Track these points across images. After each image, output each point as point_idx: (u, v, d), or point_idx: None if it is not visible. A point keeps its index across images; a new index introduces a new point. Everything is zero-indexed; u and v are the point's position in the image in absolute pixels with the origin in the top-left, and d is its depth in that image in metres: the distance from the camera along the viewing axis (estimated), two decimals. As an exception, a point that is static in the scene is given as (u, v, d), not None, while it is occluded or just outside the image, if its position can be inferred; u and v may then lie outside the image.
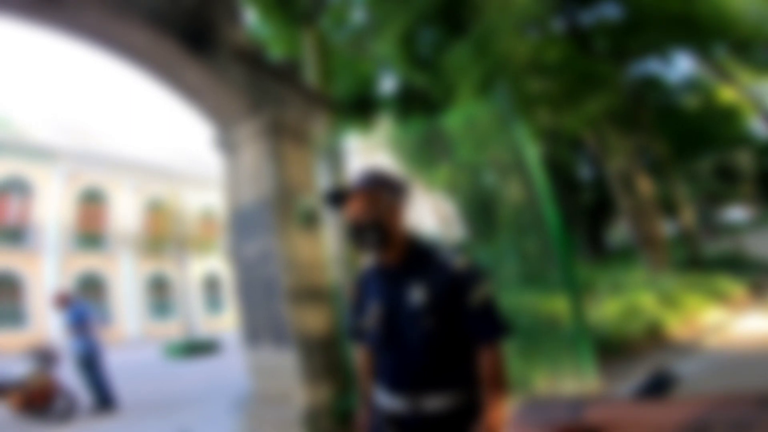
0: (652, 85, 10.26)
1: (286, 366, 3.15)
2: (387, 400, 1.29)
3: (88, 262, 20.10)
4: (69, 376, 5.67)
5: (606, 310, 5.04)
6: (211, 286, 24.69)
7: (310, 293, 3.27)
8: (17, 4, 2.32)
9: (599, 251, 12.67)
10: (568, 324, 3.08)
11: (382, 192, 1.28)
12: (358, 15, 6.38)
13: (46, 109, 22.23)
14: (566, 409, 0.58)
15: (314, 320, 3.24)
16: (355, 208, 1.26)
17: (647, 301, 5.18)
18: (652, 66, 9.90)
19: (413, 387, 1.23)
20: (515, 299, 3.52)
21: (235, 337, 14.97)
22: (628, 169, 8.01)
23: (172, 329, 20.07)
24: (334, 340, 3.30)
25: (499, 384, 1.19)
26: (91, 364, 5.46)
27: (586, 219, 12.75)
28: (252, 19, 5.55)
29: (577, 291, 3.05)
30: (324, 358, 3.20)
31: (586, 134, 7.92)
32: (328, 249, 3.48)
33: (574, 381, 3.02)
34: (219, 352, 11.77)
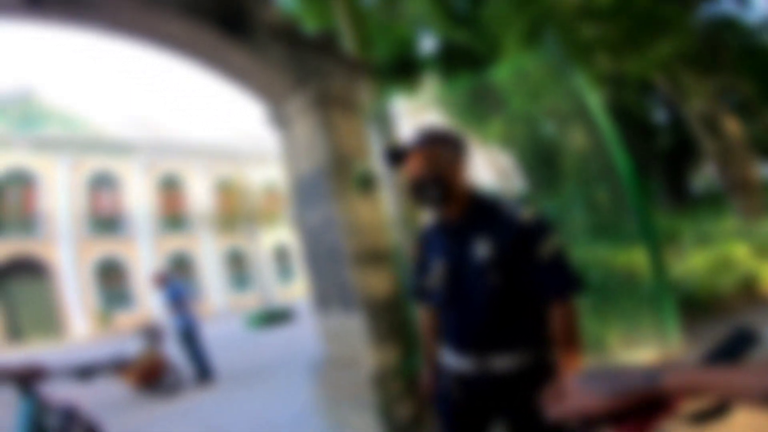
0: (728, 26, 8.99)
1: (354, 329, 3.27)
2: (453, 360, 1.27)
3: (176, 243, 22.21)
4: (172, 351, 6.20)
5: (692, 263, 4.59)
6: (281, 257, 26.27)
7: (373, 256, 3.33)
8: (56, 9, 2.45)
9: (681, 199, 11.49)
10: (648, 279, 2.84)
11: (441, 148, 1.25)
12: None
13: (117, 106, 24.25)
14: (639, 377, 0.51)
15: (378, 283, 3.31)
16: (414, 165, 1.24)
17: (740, 253, 4.62)
18: (727, 6, 8.65)
19: (480, 346, 1.20)
20: (585, 253, 3.30)
21: (306, 304, 15.93)
22: (711, 110, 7.07)
23: (250, 300, 21.85)
24: (398, 301, 3.36)
25: (573, 342, 1.13)
26: (190, 338, 5.82)
27: (663, 165, 11.56)
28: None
29: (656, 242, 2.79)
30: (389, 320, 3.27)
31: (656, 77, 7.07)
32: (387, 211, 3.49)
33: (655, 342, 2.81)
34: (293, 319, 12.56)
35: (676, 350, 2.68)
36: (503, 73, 3.20)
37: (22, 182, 18.57)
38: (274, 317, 12.48)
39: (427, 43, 6.61)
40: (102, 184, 20.91)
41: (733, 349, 0.55)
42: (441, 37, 6.25)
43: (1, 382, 1.46)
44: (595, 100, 2.73)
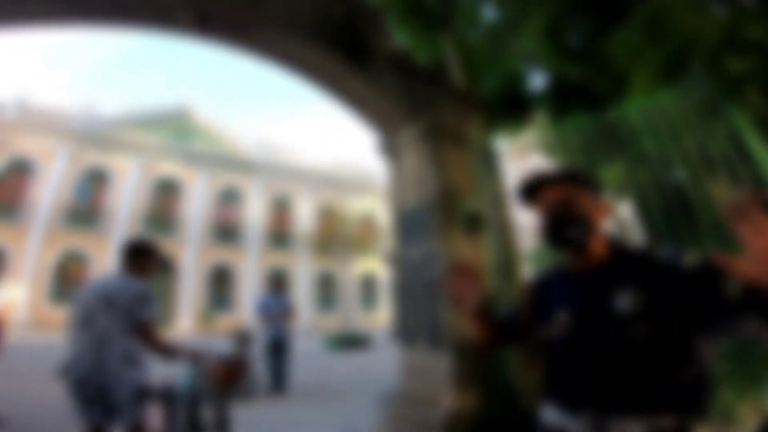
0: None
1: (437, 368, 3.15)
2: (558, 417, 1.14)
3: (277, 258, 24.10)
4: (258, 359, 6.36)
5: None
6: (368, 285, 26.74)
7: (471, 297, 3.20)
8: (220, 31, 2.92)
9: None
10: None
11: (586, 185, 1.18)
12: (490, 12, 6.07)
13: (248, 127, 27.83)
14: None
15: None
16: (555, 200, 1.16)
17: None
18: None
19: (601, 406, 1.06)
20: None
21: (384, 334, 15.75)
22: None
23: (333, 322, 22.48)
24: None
25: None
26: (279, 350, 6.10)
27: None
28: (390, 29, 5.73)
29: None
30: (476, 365, 3.09)
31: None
32: (488, 254, 3.36)
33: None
34: (369, 347, 12.68)
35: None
36: (635, 110, 2.93)
37: (169, 190, 22.16)
38: (351, 342, 12.77)
39: (536, 81, 6.40)
40: (230, 197, 23.91)
41: None
42: (551, 74, 5.97)
43: (183, 358, 2.47)
44: (757, 143, 2.35)
